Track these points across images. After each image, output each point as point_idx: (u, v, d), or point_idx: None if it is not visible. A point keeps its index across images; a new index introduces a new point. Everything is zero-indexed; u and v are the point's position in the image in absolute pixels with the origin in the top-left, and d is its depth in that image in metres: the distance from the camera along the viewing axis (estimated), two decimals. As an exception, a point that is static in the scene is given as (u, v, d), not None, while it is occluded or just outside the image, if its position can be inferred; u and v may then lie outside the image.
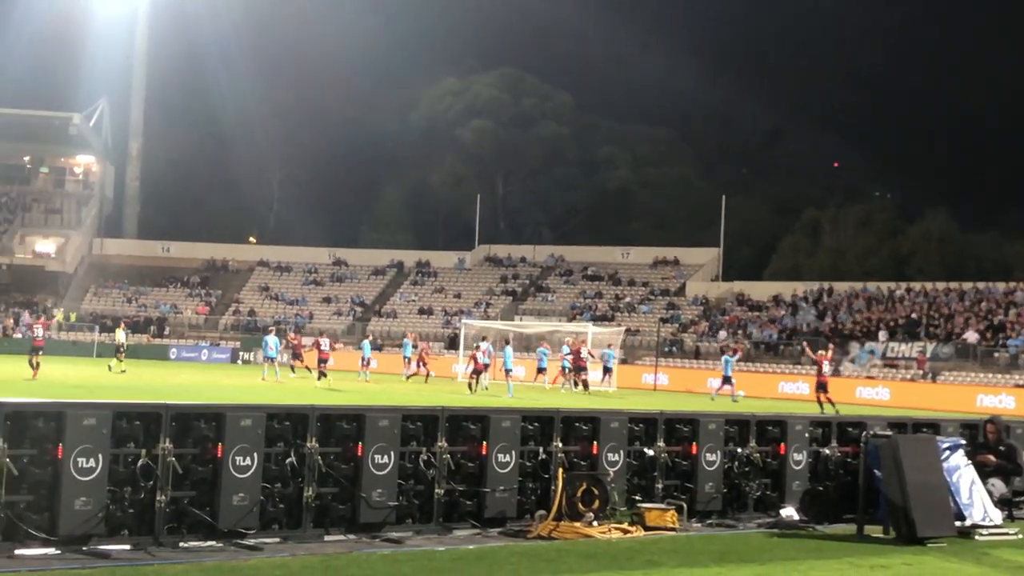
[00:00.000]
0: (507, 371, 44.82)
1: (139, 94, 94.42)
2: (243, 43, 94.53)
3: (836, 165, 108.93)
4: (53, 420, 11.37)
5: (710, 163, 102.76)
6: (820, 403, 41.51)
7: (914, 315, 63.69)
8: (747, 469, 16.28)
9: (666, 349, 67.37)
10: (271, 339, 48.10)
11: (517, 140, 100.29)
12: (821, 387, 43.21)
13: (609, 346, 54.67)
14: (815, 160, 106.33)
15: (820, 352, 46.96)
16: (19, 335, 73.73)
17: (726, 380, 48.47)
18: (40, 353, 41.62)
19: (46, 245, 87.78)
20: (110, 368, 46.98)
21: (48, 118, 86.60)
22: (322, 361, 46.03)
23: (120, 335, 51.05)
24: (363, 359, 52.91)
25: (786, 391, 56.27)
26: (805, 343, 53.88)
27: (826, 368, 45.00)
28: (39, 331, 44.17)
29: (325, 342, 47.59)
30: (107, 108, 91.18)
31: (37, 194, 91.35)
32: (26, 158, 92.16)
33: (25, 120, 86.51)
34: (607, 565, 12.01)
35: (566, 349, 51.31)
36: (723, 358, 50.18)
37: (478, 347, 46.17)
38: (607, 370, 52.53)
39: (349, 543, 12.74)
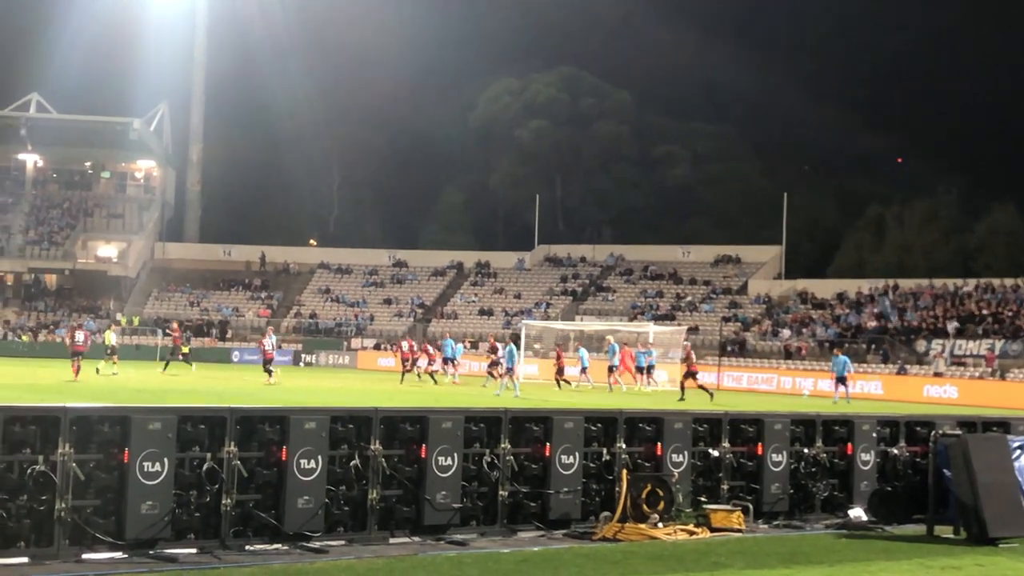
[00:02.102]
0: (509, 370, 44.18)
1: (198, 98, 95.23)
2: (300, 46, 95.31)
3: (900, 160, 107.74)
4: (119, 424, 11.44)
5: (771, 160, 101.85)
6: (683, 388, 43.18)
7: (983, 311, 62.84)
8: (814, 470, 16.11)
9: (728, 348, 66.94)
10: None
11: (576, 139, 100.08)
12: (690, 375, 43.31)
13: (645, 345, 53.81)
14: (879, 156, 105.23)
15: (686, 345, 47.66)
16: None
17: (840, 380, 47.27)
18: (80, 358, 43.70)
19: (108, 250, 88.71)
20: (98, 371, 46.11)
21: (109, 123, 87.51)
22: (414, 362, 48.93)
23: (111, 336, 51.03)
24: (446, 359, 52.70)
25: (852, 391, 55.55)
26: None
27: (695, 358, 45.12)
28: (79, 336, 45.89)
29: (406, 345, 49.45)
30: (167, 113, 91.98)
31: (99, 199, 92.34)
32: (87, 163, 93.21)
33: (86, 126, 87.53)
34: (673, 567, 11.91)
35: (615, 347, 51.00)
36: (838, 359, 48.36)
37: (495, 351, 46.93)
38: (639, 369, 52.03)
39: (414, 545, 12.74)
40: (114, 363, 47.99)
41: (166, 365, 52.82)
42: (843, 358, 48.47)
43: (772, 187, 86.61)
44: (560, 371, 48.13)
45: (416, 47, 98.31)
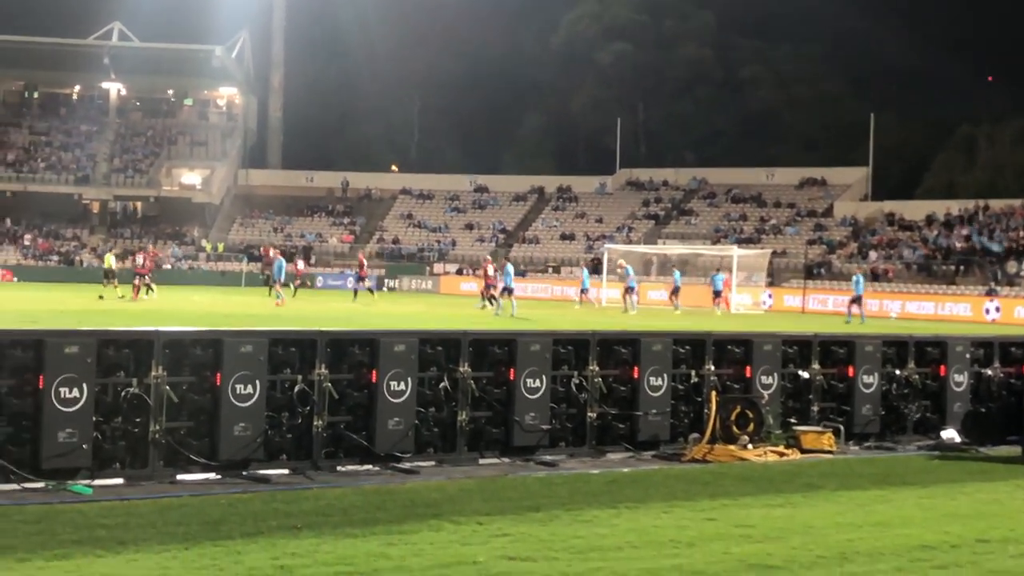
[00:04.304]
0: (507, 290, 44.48)
1: (279, 25, 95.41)
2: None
3: (991, 79, 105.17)
4: (211, 348, 11.53)
5: (858, 81, 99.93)
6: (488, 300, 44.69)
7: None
8: (906, 391, 15.92)
9: (814, 271, 66.26)
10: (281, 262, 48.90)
11: (658, 62, 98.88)
12: (506, 291, 43.67)
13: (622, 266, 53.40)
14: (968, 75, 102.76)
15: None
16: (168, 266, 75.87)
17: (856, 300, 47.27)
18: (142, 279, 46.25)
19: (192, 177, 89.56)
20: (101, 297, 46.09)
21: (191, 51, 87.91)
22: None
23: (110, 260, 51.13)
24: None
25: (941, 313, 54.89)
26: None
27: (491, 272, 45.82)
28: (139, 259, 47.91)
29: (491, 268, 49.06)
30: (248, 40, 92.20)
31: (182, 127, 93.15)
32: (170, 91, 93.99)
33: (168, 54, 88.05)
34: (764, 488, 11.81)
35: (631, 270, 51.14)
36: (854, 277, 48.88)
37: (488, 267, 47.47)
38: (674, 291, 52.30)
39: (503, 466, 12.78)
40: (115, 287, 48.12)
41: (272, 290, 50.62)
42: (859, 276, 47.88)
43: (859, 108, 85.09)
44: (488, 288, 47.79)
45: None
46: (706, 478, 12.34)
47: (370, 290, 52.69)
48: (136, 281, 46.42)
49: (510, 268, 45.19)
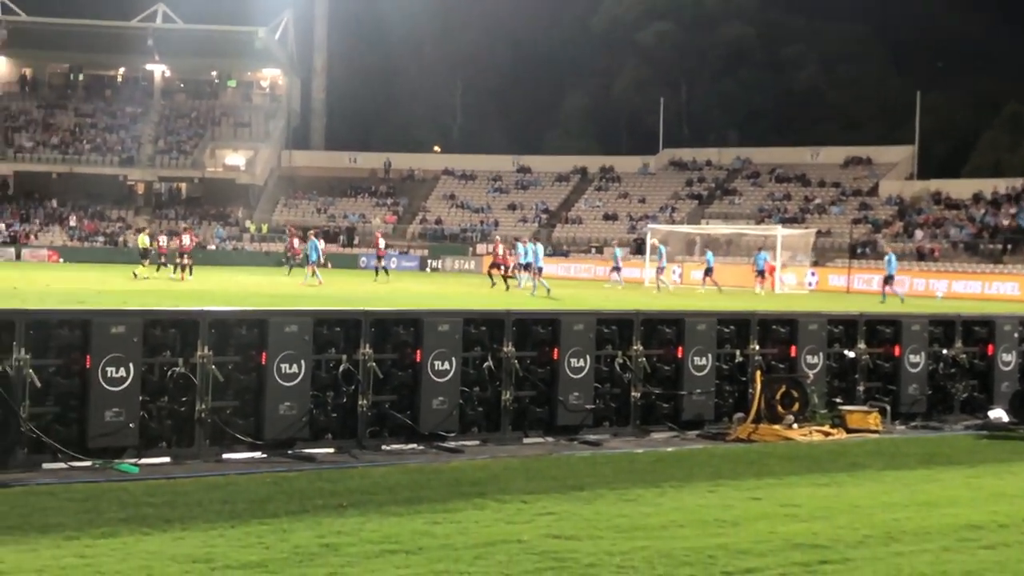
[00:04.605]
0: (526, 266, 45.10)
1: (322, 7, 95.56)
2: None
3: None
4: (256, 328, 11.58)
5: (903, 59, 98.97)
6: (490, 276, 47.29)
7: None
8: (953, 371, 15.79)
9: (859, 251, 65.79)
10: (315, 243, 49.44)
11: (700, 41, 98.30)
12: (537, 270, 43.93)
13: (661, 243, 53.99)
14: (1015, 53, 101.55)
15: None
16: (212, 247, 76.37)
17: (888, 279, 46.88)
18: (184, 257, 47.25)
19: (236, 158, 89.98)
20: (135, 275, 45.79)
21: (234, 33, 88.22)
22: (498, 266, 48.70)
23: (144, 239, 51.07)
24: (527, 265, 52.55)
25: (988, 292, 54.37)
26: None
27: (501, 252, 48.51)
28: (186, 239, 48.56)
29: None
30: (291, 22, 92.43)
31: (226, 108, 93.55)
32: (214, 73, 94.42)
33: (212, 35, 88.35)
34: (810, 467, 11.76)
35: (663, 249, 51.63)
36: (887, 256, 48.38)
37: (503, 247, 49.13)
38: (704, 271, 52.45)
39: (548, 445, 12.77)
40: (150, 266, 48.40)
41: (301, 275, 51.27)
42: (891, 255, 47.59)
43: (904, 87, 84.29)
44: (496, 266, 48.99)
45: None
46: (751, 457, 12.29)
47: (384, 269, 52.98)
48: (181, 261, 47.30)
49: (531, 247, 45.00)
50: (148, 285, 40.68)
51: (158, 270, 48.89)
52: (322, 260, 48.40)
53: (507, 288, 46.13)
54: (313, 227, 73.04)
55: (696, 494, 10.24)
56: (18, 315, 10.67)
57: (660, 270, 50.35)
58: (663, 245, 51.83)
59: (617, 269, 53.53)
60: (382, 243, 54.70)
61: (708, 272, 51.88)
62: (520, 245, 47.26)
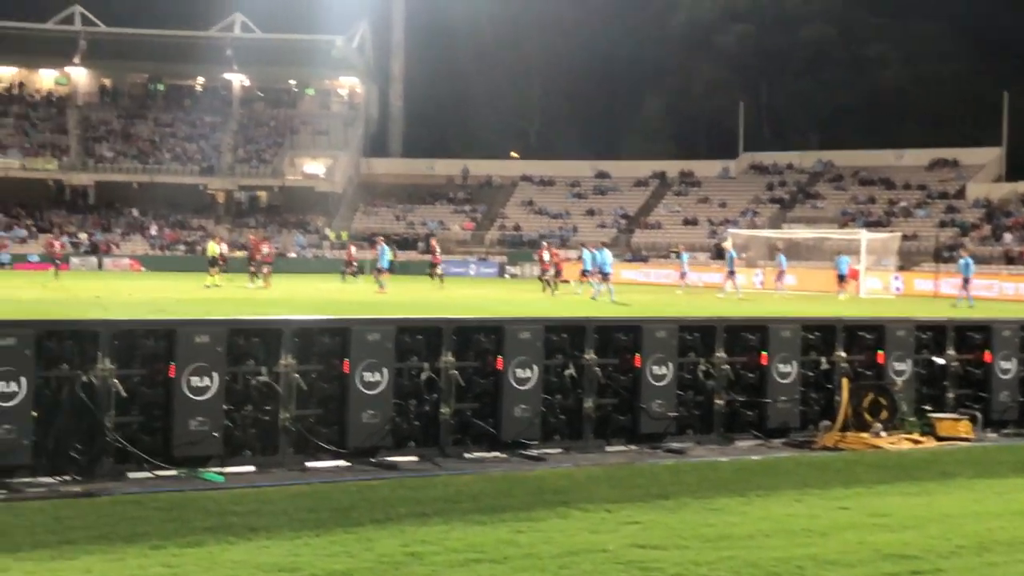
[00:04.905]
0: (590, 271, 45.24)
1: (399, 14, 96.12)
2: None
3: None
4: (338, 336, 11.62)
5: (990, 58, 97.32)
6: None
7: None
8: (1047, 377, 15.43)
9: (945, 255, 64.79)
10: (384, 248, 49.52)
11: (780, 43, 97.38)
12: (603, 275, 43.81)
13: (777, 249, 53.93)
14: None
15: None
16: (292, 255, 77.06)
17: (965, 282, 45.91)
18: (267, 267, 48.68)
19: (315, 166, 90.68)
20: (207, 286, 45.93)
21: (312, 41, 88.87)
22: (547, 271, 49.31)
23: (214, 248, 51.20)
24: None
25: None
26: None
27: (547, 257, 49.02)
28: (264, 248, 50.23)
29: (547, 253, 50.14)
30: (368, 29, 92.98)
31: (304, 116, 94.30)
32: (292, 81, 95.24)
33: (290, 44, 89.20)
34: (899, 476, 11.55)
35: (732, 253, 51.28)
36: (962, 261, 47.37)
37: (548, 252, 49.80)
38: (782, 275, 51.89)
39: (631, 453, 12.69)
40: (214, 275, 48.32)
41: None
42: (967, 259, 46.85)
43: (991, 86, 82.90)
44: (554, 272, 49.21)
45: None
46: (838, 466, 12.11)
47: (440, 276, 52.86)
48: (261, 269, 48.12)
49: (602, 254, 44.83)
50: (229, 293, 41.10)
51: (219, 278, 48.57)
52: (384, 267, 48.66)
53: (543, 290, 47.32)
54: (383, 234, 73.45)
55: (783, 503, 10.09)
56: (103, 325, 10.81)
57: (730, 275, 49.91)
58: (733, 250, 51.44)
59: (683, 275, 53.23)
60: (438, 250, 55.29)
61: (780, 276, 51.54)
62: (585, 251, 47.36)
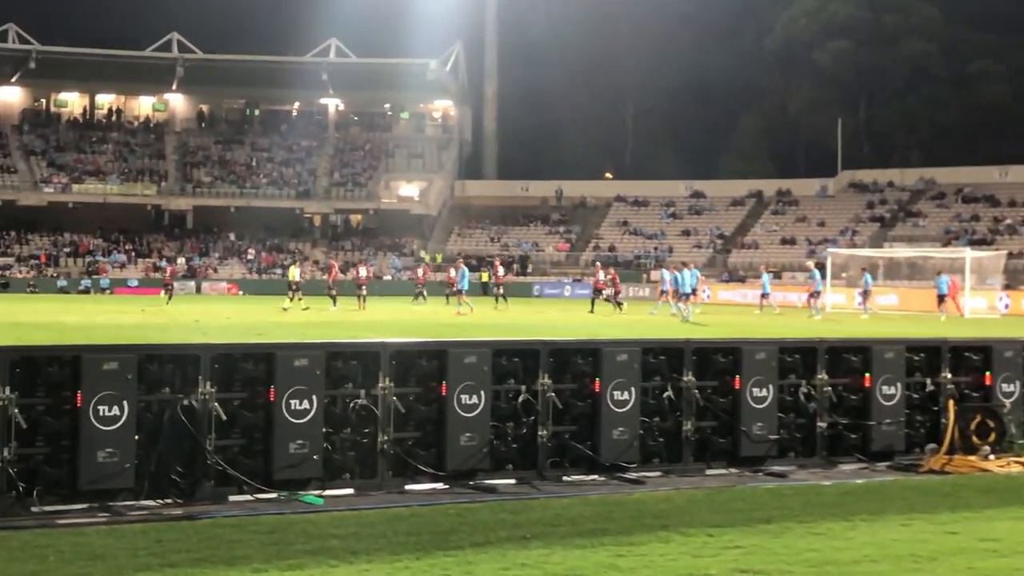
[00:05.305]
0: (675, 292, 45.16)
1: (492, 36, 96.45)
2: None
3: None
4: (436, 359, 11.63)
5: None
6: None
7: None
8: None
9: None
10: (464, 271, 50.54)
11: (879, 60, 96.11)
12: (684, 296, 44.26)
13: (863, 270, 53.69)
14: None
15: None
16: (388, 277, 77.60)
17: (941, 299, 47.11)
18: (363, 289, 50.16)
19: (410, 189, 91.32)
20: (285, 309, 46.27)
21: (406, 65, 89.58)
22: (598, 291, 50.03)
23: (295, 272, 52.23)
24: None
25: None
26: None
27: (602, 277, 50.08)
28: (362, 272, 52.17)
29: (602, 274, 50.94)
30: (462, 51, 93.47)
31: (399, 140, 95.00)
32: (387, 105, 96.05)
33: (384, 68, 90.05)
34: (1009, 500, 11.26)
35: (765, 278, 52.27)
36: (940, 278, 48.22)
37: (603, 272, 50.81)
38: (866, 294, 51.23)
39: (731, 477, 12.54)
40: (299, 300, 48.78)
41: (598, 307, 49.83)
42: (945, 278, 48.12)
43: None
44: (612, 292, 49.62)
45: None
46: (946, 489, 11.85)
47: (503, 297, 53.72)
48: (361, 292, 49.43)
49: (684, 275, 44.53)
50: (327, 317, 41.45)
51: (293, 301, 48.90)
52: (464, 288, 49.23)
53: (591, 311, 47.77)
54: (465, 255, 73.88)
55: (889, 528, 9.89)
56: (203, 349, 10.92)
57: (816, 294, 49.26)
58: (817, 269, 50.91)
59: (765, 295, 52.54)
60: (501, 270, 56.54)
61: (865, 295, 50.78)
62: (665, 272, 47.38)
